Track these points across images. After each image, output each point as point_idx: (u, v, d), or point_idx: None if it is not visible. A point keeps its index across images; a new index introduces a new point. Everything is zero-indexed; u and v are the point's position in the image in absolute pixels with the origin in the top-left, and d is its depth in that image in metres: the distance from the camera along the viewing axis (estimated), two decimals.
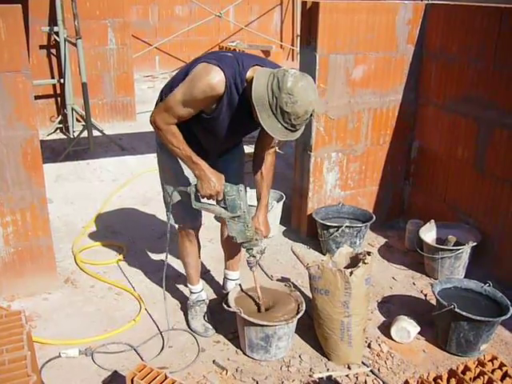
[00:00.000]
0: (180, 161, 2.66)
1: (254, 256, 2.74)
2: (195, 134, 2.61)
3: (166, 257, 2.91)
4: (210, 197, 2.55)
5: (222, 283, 3.36)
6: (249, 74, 2.38)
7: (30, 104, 3.03)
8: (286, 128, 2.28)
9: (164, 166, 2.85)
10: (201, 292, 3.15)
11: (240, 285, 3.00)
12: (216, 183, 2.51)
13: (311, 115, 2.28)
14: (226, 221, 2.63)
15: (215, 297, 3.35)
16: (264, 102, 2.24)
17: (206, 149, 2.62)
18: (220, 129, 2.57)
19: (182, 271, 3.54)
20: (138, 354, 2.82)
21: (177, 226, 2.86)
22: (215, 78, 2.33)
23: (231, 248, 3.16)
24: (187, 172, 2.70)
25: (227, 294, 2.98)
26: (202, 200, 2.63)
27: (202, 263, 3.19)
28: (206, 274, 3.54)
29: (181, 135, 2.50)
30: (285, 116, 2.23)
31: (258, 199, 2.87)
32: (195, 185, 2.57)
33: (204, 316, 3.06)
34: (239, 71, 2.37)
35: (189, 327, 3.06)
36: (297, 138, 2.41)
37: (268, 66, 2.45)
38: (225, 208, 2.59)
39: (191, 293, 3.13)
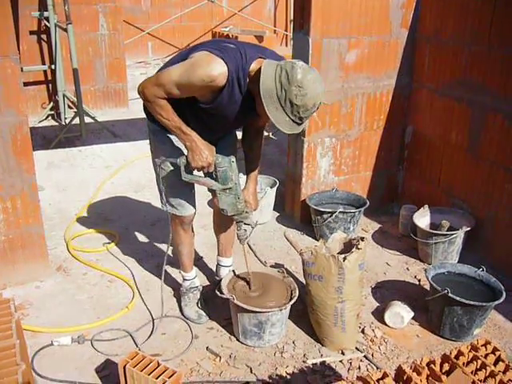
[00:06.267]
0: (173, 139, 2.63)
1: (245, 229, 2.74)
2: (188, 122, 2.56)
3: (168, 247, 2.90)
4: (201, 168, 2.52)
5: (215, 270, 3.35)
6: (252, 66, 2.35)
7: (19, 90, 2.99)
8: (293, 121, 2.27)
9: (156, 149, 2.82)
10: (194, 279, 3.13)
11: (234, 271, 2.98)
12: (208, 154, 2.48)
13: (317, 108, 2.28)
14: (217, 193, 2.59)
15: (208, 283, 3.34)
16: (272, 94, 2.22)
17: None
18: (217, 119, 2.54)
19: (175, 258, 3.53)
20: (134, 341, 2.81)
21: (171, 212, 2.84)
22: (217, 70, 2.29)
23: (224, 234, 3.15)
24: (179, 151, 2.66)
25: (220, 280, 2.97)
26: (193, 172, 2.60)
27: (194, 250, 3.17)
28: (198, 261, 3.53)
29: (170, 107, 2.45)
30: (294, 109, 2.22)
31: (248, 173, 2.85)
32: (186, 156, 2.53)
33: (197, 303, 3.05)
34: (242, 64, 2.33)
35: (182, 314, 3.05)
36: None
37: (269, 56, 2.41)
38: (216, 180, 2.57)
39: (184, 280, 3.12)
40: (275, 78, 2.21)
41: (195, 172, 2.60)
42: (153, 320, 2.98)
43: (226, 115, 2.49)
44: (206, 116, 2.52)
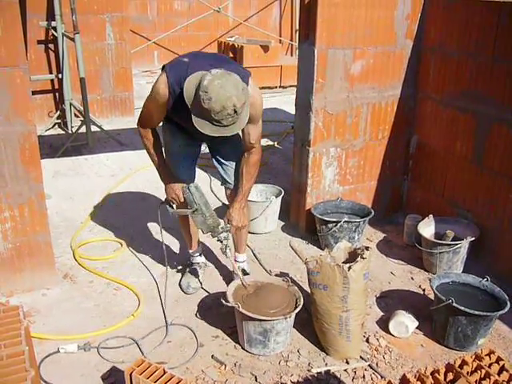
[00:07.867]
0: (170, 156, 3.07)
1: (221, 242, 2.97)
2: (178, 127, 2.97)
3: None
4: (173, 199, 2.97)
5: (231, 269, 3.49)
6: None
7: (27, 99, 3.02)
8: (213, 124, 2.45)
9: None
10: (196, 256, 3.47)
11: (241, 279, 2.99)
12: (174, 187, 2.93)
13: (235, 111, 2.41)
14: (190, 217, 3.01)
15: (216, 291, 3.34)
16: (191, 100, 2.49)
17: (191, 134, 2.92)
18: (185, 123, 2.79)
19: (181, 263, 3.58)
20: (139, 348, 2.82)
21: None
22: (161, 84, 2.65)
23: (236, 232, 3.27)
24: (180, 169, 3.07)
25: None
26: (175, 207, 3.06)
27: (205, 258, 3.39)
28: (210, 268, 3.60)
29: (154, 145, 2.90)
30: (205, 112, 2.42)
31: (234, 193, 3.10)
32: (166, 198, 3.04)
33: (197, 277, 3.38)
34: (185, 77, 2.56)
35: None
36: (234, 133, 2.60)
37: (231, 70, 2.53)
38: (186, 207, 2.98)
39: (190, 256, 3.48)
40: (195, 86, 2.46)
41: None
42: (166, 326, 3.01)
43: (186, 121, 2.65)
44: (178, 119, 2.87)
